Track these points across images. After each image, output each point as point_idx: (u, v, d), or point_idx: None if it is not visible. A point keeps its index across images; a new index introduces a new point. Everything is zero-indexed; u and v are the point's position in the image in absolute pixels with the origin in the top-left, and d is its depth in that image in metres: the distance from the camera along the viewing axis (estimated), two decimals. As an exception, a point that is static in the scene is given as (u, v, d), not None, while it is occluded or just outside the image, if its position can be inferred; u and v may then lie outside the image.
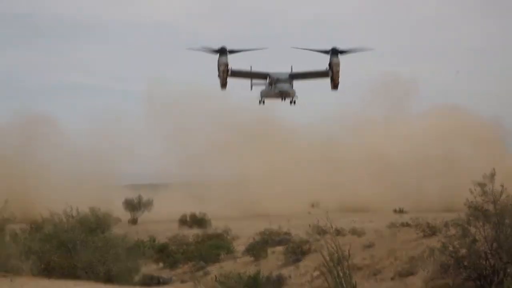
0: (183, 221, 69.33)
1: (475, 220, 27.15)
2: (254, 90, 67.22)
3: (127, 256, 28.34)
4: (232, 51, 59.35)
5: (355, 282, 26.67)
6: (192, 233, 60.05)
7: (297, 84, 64.14)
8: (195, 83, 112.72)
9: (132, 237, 40.08)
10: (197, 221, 69.00)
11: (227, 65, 59.34)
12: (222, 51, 59.12)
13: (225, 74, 59.59)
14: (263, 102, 66.90)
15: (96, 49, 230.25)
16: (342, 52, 59.69)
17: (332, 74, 59.71)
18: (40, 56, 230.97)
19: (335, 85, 60.08)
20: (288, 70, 64.17)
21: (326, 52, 59.56)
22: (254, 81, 66.47)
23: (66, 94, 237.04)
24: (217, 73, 60.17)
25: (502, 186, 26.86)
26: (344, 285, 21.57)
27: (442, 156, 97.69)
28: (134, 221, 74.74)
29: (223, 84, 60.56)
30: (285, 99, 64.44)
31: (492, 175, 26.97)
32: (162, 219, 78.28)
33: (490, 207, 26.98)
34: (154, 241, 52.35)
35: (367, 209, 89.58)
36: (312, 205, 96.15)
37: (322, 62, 60.68)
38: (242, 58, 62.11)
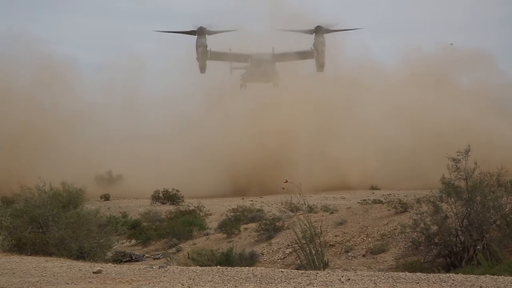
0: (156, 197, 69.04)
1: (447, 196, 27.40)
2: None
3: (99, 232, 28.27)
4: (211, 32, 57.80)
5: (327, 259, 26.93)
6: (164, 209, 59.91)
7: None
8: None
9: (104, 213, 40.04)
10: (170, 197, 68.71)
11: (206, 46, 57.62)
12: (201, 32, 57.43)
13: (204, 56, 57.84)
14: (245, 86, 65.34)
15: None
16: (327, 30, 58.50)
17: (317, 54, 58.42)
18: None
19: (320, 65, 58.79)
20: (271, 51, 62.85)
21: (310, 32, 58.33)
22: (234, 64, 64.96)
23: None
24: (195, 55, 58.57)
25: (476, 163, 27.13)
26: (316, 262, 21.72)
27: None
28: (106, 197, 74.34)
29: (202, 68, 58.79)
30: (268, 82, 63.23)
31: (467, 151, 27.21)
32: (135, 195, 77.90)
33: (462, 183, 27.26)
34: (126, 217, 52.20)
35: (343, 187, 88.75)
36: (286, 181, 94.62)
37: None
38: (220, 39, 60.86)
